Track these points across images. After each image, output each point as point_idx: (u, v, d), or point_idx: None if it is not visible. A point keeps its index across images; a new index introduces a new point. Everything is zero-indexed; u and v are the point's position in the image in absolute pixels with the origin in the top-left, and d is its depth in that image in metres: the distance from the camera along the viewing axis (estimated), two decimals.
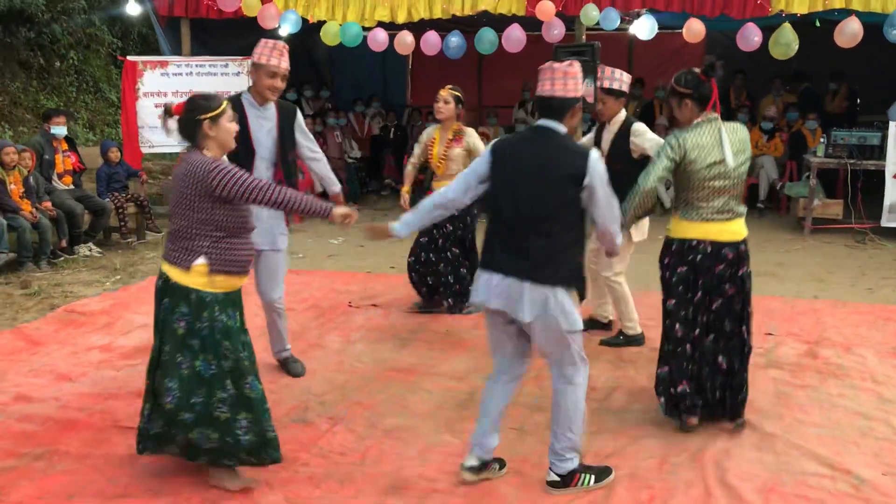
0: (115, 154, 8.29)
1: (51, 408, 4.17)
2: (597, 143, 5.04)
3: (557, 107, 3.13)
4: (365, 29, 8.60)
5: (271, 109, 4.35)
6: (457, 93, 5.53)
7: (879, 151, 8.48)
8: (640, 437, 3.83)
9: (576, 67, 3.15)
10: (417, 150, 5.77)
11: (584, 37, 8.32)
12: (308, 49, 11.52)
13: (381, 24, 8.58)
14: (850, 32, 7.20)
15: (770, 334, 5.38)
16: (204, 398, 3.16)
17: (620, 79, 4.85)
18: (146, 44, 14.50)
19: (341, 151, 11.04)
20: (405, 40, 8.42)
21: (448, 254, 5.68)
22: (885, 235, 8.33)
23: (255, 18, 8.62)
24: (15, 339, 5.29)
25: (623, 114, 4.93)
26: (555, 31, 8.04)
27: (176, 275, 3.17)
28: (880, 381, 4.55)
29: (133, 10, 9.09)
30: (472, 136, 5.56)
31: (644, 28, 8.04)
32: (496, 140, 3.35)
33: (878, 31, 7.50)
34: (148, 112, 8.98)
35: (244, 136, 4.07)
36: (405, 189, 5.82)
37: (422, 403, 4.27)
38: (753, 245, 7.81)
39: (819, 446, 3.72)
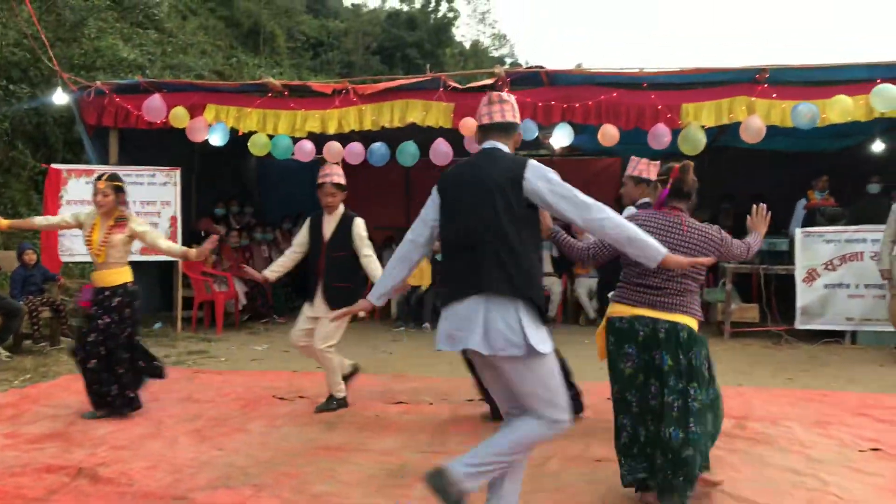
0: (30, 256, 8.05)
1: None
2: None
3: (502, 129, 3.19)
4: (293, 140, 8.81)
5: None
6: (118, 183, 5.37)
7: (788, 256, 8.95)
8: (577, 494, 3.75)
9: (510, 97, 3.28)
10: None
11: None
12: (235, 163, 11.65)
13: (310, 135, 8.79)
14: (754, 128, 7.73)
15: None
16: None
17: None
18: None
19: (267, 266, 10.96)
20: (334, 148, 8.62)
21: None
22: (800, 337, 8.63)
23: (183, 129, 8.74)
24: None
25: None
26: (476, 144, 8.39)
27: (693, 324, 3.54)
28: (808, 446, 4.62)
29: (60, 99, 9.07)
30: (134, 220, 5.45)
31: (560, 137, 8.46)
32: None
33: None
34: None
35: None
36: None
37: (351, 474, 4.10)
38: None
39: (756, 496, 3.71)
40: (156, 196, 9.27)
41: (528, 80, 8.54)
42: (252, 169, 13.04)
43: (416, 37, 32.74)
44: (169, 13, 20.62)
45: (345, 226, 5.49)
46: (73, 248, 8.89)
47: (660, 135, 7.85)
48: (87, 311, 5.44)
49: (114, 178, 5.38)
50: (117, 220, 5.35)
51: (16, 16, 14.04)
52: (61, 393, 6.02)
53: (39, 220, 5.67)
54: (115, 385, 5.30)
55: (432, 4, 35.04)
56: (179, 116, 8.63)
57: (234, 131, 8.95)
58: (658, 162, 4.77)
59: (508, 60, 44.36)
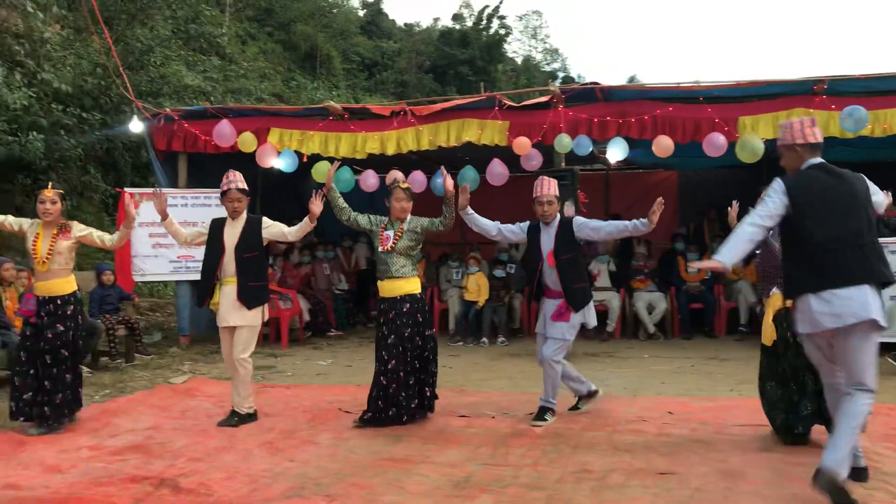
0: (108, 277, 8.45)
1: (41, 493, 4.11)
2: None
3: (821, 147, 4.00)
4: (355, 171, 9.06)
5: None
6: (61, 191, 5.64)
7: None
8: None
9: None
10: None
11: (562, 163, 8.77)
12: (297, 184, 11.96)
13: (371, 156, 9.01)
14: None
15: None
16: None
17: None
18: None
19: (329, 283, 11.28)
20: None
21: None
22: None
23: (249, 153, 9.06)
24: (1, 441, 5.21)
25: None
26: (533, 161, 8.49)
27: None
28: (877, 460, 4.57)
29: (136, 127, 9.51)
30: (80, 227, 5.67)
31: (615, 152, 8.51)
32: (787, 180, 3.96)
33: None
34: (142, 241, 9.22)
35: None
36: None
37: (418, 485, 4.23)
38: (739, 361, 8.00)
39: None
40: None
41: (582, 97, 8.63)
42: (312, 189, 13.39)
43: (468, 54, 33.07)
44: (230, 39, 21.27)
45: (251, 228, 5.68)
46: (145, 268, 9.29)
47: (715, 142, 7.86)
48: (28, 319, 5.60)
49: (57, 186, 5.62)
50: (60, 227, 5.54)
51: (88, 45, 14.74)
52: (138, 407, 6.30)
53: None
54: (59, 395, 5.44)
55: (484, 22, 35.33)
56: (247, 142, 8.95)
57: (297, 154, 9.23)
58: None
59: (560, 75, 44.50)
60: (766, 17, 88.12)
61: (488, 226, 5.71)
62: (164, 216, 5.63)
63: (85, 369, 7.65)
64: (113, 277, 8.58)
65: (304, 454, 4.84)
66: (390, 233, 5.62)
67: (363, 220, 5.76)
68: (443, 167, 6.01)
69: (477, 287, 10.06)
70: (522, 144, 8.36)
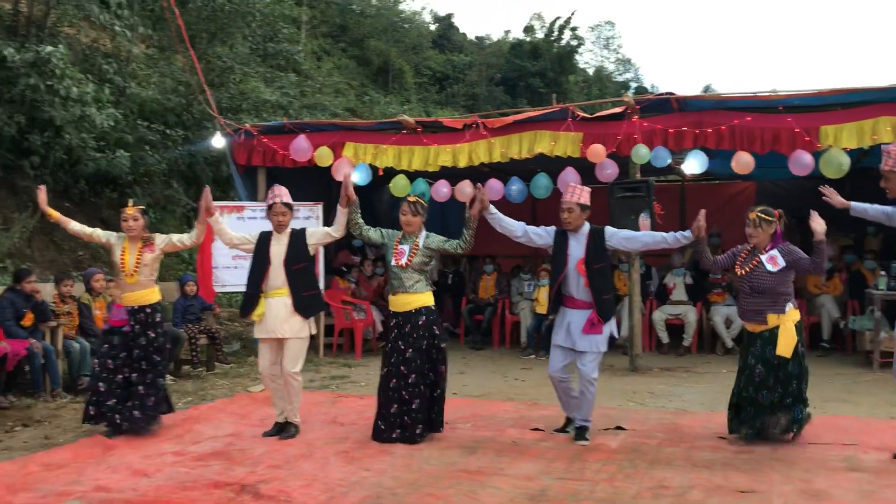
0: (191, 287, 8.74)
1: (129, 496, 4.28)
2: None
3: None
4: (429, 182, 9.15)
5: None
6: (143, 207, 5.91)
7: None
8: None
9: None
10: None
11: (637, 174, 8.67)
12: (371, 197, 12.13)
13: (443, 169, 9.09)
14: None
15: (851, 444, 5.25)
16: None
17: None
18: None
19: None
20: (465, 189, 8.87)
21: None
22: None
23: (325, 167, 9.25)
24: (91, 445, 5.43)
25: None
26: (607, 170, 8.41)
27: None
28: None
29: (218, 143, 9.84)
30: (161, 237, 5.89)
31: (694, 164, 8.36)
32: None
33: None
34: (222, 253, 9.45)
35: None
36: None
37: (493, 497, 4.24)
38: (822, 378, 7.76)
39: None
40: None
41: (657, 107, 8.52)
42: (386, 202, 13.55)
43: (539, 66, 33.00)
44: (306, 56, 21.77)
45: (296, 240, 5.70)
46: (225, 279, 9.55)
47: (802, 161, 7.65)
48: (118, 328, 5.81)
49: (138, 202, 5.87)
50: (145, 241, 5.80)
51: (171, 64, 15.30)
52: (218, 414, 6.49)
53: (74, 225, 5.91)
54: (151, 398, 5.70)
55: (556, 33, 35.22)
56: (324, 156, 9.14)
57: (372, 168, 9.37)
58: None
59: (633, 85, 43.94)
60: (843, 25, 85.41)
61: (514, 226, 5.53)
62: (211, 213, 5.76)
63: (168, 377, 7.94)
64: (195, 288, 8.87)
65: (379, 464, 4.91)
66: (405, 248, 5.52)
67: (375, 234, 5.69)
68: (479, 185, 5.69)
69: (544, 301, 10.00)
70: (597, 152, 8.28)
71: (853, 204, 5.22)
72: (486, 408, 6.69)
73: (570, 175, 8.68)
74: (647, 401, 6.97)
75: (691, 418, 6.14)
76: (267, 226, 5.81)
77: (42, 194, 5.88)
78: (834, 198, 5.20)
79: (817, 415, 6.29)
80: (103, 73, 12.48)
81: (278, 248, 5.68)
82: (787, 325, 5.17)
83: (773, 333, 5.17)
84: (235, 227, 9.42)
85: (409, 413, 5.40)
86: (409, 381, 5.40)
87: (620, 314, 9.59)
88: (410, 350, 5.44)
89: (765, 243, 5.24)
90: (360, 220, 5.67)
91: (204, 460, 5.04)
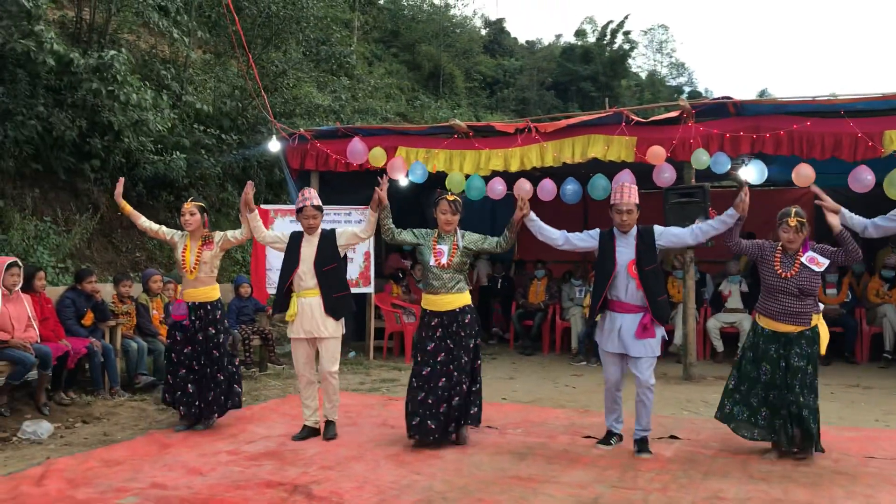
0: (245, 289, 8.86)
1: (184, 493, 4.34)
2: None
3: None
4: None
5: None
6: (200, 204, 6.03)
7: None
8: None
9: None
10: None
11: (692, 179, 8.52)
12: (420, 201, 12.16)
13: (495, 173, 9.06)
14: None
15: None
16: None
17: None
18: None
19: None
20: (523, 187, 8.78)
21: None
22: None
23: (376, 171, 9.27)
24: (148, 443, 5.56)
25: None
26: (665, 174, 8.25)
27: None
28: None
29: (274, 147, 9.95)
30: (218, 234, 6.00)
31: (752, 173, 8.17)
32: None
33: None
34: (276, 256, 9.52)
35: None
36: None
37: None
38: (885, 390, 7.53)
39: None
40: None
41: (714, 112, 8.36)
42: (433, 204, 13.59)
43: (590, 70, 32.80)
44: (357, 60, 21.95)
45: (326, 242, 5.73)
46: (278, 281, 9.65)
47: (862, 179, 7.44)
48: (181, 324, 5.96)
49: (197, 200, 6.04)
50: (204, 238, 5.92)
51: (227, 69, 15.57)
52: (271, 415, 6.57)
53: (143, 220, 6.14)
54: (211, 393, 5.90)
55: (608, 37, 34.94)
56: (378, 157, 9.18)
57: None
58: None
59: (687, 89, 43.36)
60: None
61: (555, 235, 5.49)
62: (252, 209, 5.83)
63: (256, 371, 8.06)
64: (250, 289, 9.00)
65: (429, 468, 4.90)
66: (444, 247, 5.48)
67: (408, 235, 5.66)
68: (521, 195, 5.56)
69: None
70: (657, 154, 8.11)
71: (844, 211, 5.09)
72: (537, 414, 6.64)
73: (626, 176, 8.54)
74: (701, 410, 6.84)
75: None
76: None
77: (119, 187, 6.12)
78: (826, 202, 5.06)
79: (879, 427, 6.12)
80: (161, 79, 12.76)
81: (309, 249, 5.74)
82: (822, 323, 5.18)
83: (814, 332, 5.10)
84: (289, 229, 9.57)
85: (458, 410, 5.41)
86: (460, 380, 5.40)
87: (675, 321, 9.44)
88: (459, 350, 5.43)
89: (799, 246, 5.12)
90: (392, 225, 5.66)
91: (257, 460, 5.11)
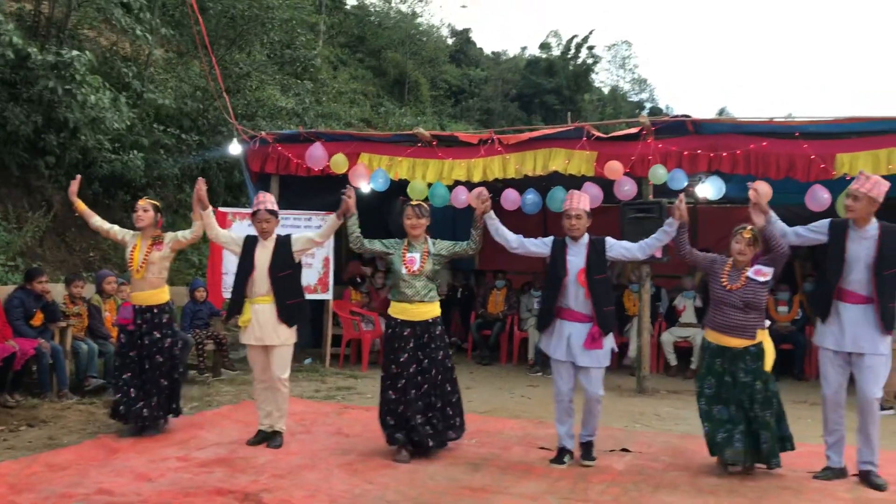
0: (200, 293, 8.74)
1: (132, 500, 4.27)
2: None
3: None
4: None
5: None
6: (155, 202, 6.00)
7: None
8: None
9: None
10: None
11: (650, 196, 8.63)
12: (381, 208, 12.13)
13: (457, 183, 9.08)
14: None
15: None
16: None
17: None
18: None
19: None
20: (483, 191, 8.80)
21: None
22: None
23: (338, 177, 9.24)
24: (95, 447, 5.45)
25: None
26: (626, 188, 8.35)
27: None
28: None
29: (235, 149, 9.80)
30: (169, 235, 5.93)
31: (709, 189, 8.32)
32: None
33: None
34: (232, 260, 9.41)
35: None
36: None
37: None
38: None
39: None
40: None
41: (673, 129, 8.49)
42: (397, 213, 13.57)
43: (554, 83, 33.09)
44: (322, 64, 21.86)
45: (281, 248, 5.67)
46: None
47: (819, 198, 7.61)
48: (125, 327, 5.86)
49: (152, 198, 5.89)
50: (155, 238, 5.82)
51: (188, 69, 15.40)
52: (223, 421, 6.48)
53: (96, 219, 6.02)
54: (154, 399, 5.78)
55: (572, 51, 35.30)
56: (339, 163, 9.12)
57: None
58: None
59: (648, 105, 43.98)
60: (861, 51, 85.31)
61: (510, 237, 5.50)
62: (205, 206, 5.73)
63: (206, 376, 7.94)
64: (205, 294, 8.87)
65: (382, 477, 4.88)
66: (415, 255, 5.45)
67: (377, 245, 5.58)
68: (483, 189, 5.71)
69: None
70: (615, 169, 8.22)
71: (772, 214, 5.27)
72: (492, 424, 6.65)
73: (589, 188, 8.64)
74: (653, 423, 6.92)
75: (697, 442, 6.06)
76: (282, 234, 5.81)
77: (75, 185, 5.98)
78: (760, 203, 5.23)
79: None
80: (121, 77, 12.56)
81: (263, 255, 5.65)
82: (767, 339, 5.19)
83: (759, 348, 5.12)
84: (246, 233, 9.51)
85: (438, 419, 5.43)
86: (432, 391, 5.43)
87: (629, 334, 9.54)
88: (428, 361, 5.43)
89: (748, 260, 5.22)
90: (359, 233, 5.55)
91: (207, 467, 5.04)
